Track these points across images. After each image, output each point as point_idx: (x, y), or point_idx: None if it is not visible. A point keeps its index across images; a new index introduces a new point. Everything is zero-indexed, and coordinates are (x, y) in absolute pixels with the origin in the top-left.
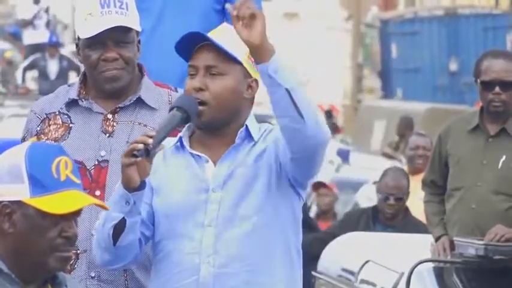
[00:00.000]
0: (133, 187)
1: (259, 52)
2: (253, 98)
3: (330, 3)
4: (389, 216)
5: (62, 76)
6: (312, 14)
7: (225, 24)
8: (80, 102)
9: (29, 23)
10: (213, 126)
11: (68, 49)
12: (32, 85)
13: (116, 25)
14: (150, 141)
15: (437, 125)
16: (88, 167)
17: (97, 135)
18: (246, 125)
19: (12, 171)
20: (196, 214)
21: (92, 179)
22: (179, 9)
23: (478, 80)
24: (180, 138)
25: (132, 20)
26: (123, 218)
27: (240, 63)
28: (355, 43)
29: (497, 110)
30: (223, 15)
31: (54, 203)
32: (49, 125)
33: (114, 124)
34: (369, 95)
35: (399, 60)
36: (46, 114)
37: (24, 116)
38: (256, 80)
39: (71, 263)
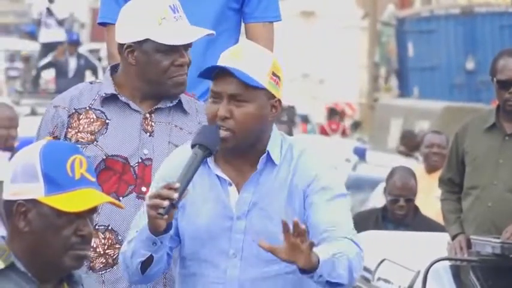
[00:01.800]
0: (160, 232)
1: (307, 268)
2: (276, 116)
3: (346, 1)
4: (399, 217)
5: (79, 74)
6: (329, 12)
7: (245, 42)
8: (120, 97)
9: (40, 22)
10: (236, 151)
11: (85, 47)
12: (45, 84)
13: (205, 34)
14: (175, 196)
15: (454, 123)
16: (132, 164)
17: (138, 133)
18: (268, 151)
19: (26, 170)
20: (220, 241)
21: (136, 175)
22: (193, 8)
23: (494, 79)
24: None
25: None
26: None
27: (263, 88)
28: (372, 41)
29: None
30: (239, 14)
31: (69, 202)
32: (78, 119)
33: (152, 124)
34: (385, 94)
35: (416, 59)
36: (75, 109)
37: (40, 115)
38: (279, 100)
39: (114, 257)
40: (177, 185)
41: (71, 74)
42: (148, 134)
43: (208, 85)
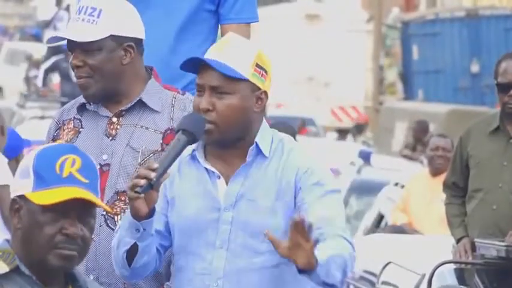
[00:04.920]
0: (142, 216)
1: (306, 268)
2: (264, 108)
3: (351, 4)
4: None
5: None
6: (334, 15)
7: (230, 35)
8: (88, 106)
9: (48, 24)
10: (222, 143)
11: None
12: (50, 88)
13: (65, 36)
14: (153, 175)
15: (459, 126)
16: None
17: (101, 139)
18: (256, 143)
19: (23, 168)
20: (208, 233)
21: None
22: (166, 5)
23: (495, 82)
24: (194, 150)
25: (98, 28)
26: (136, 242)
27: (246, 80)
28: (377, 45)
29: None
30: (216, 16)
31: (48, 196)
32: (63, 130)
33: (118, 127)
34: (390, 97)
35: (420, 62)
36: (63, 120)
37: (44, 118)
38: (265, 92)
39: None
40: (156, 165)
41: (74, 78)
42: (110, 138)
43: (190, 79)
